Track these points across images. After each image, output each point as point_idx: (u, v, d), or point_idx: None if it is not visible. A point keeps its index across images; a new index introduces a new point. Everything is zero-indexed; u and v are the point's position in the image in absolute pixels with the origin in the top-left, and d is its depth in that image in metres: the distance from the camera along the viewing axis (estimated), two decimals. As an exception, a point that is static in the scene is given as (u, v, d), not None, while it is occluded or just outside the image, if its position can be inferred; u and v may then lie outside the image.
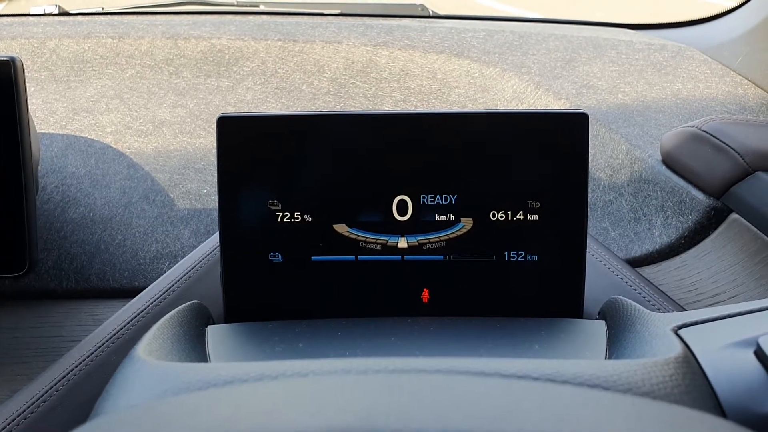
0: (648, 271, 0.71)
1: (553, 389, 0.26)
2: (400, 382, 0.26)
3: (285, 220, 0.56)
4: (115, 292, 0.73)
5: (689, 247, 0.70)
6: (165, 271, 0.67)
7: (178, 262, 0.68)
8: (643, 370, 0.33)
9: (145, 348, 0.41)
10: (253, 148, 0.56)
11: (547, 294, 0.57)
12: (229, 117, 0.56)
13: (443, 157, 0.56)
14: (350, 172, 0.56)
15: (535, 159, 0.56)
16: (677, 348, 0.37)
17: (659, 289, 0.65)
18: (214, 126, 0.89)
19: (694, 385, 0.34)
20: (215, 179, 0.82)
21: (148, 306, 0.60)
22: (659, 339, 0.39)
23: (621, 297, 0.54)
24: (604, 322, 0.52)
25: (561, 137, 0.56)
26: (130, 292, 0.69)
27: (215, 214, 0.78)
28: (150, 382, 0.35)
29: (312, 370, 0.31)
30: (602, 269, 0.64)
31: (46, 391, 0.55)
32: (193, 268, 0.63)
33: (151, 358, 0.39)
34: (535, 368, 0.33)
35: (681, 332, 0.40)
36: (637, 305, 0.49)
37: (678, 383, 0.33)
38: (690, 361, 0.36)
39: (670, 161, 0.74)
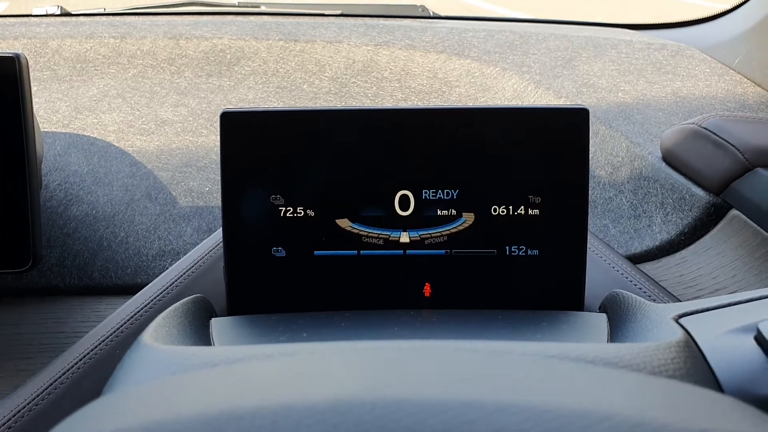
0: (648, 267, 0.71)
1: (558, 365, 0.27)
2: (406, 356, 0.26)
3: (288, 214, 0.57)
4: (118, 289, 0.73)
5: (689, 244, 0.71)
6: (167, 268, 0.68)
7: (180, 259, 0.69)
8: (645, 353, 0.34)
9: (151, 335, 0.41)
10: (256, 142, 0.56)
11: (548, 288, 0.57)
12: (233, 112, 0.56)
13: (445, 153, 0.56)
14: (353, 168, 0.57)
15: (536, 154, 0.56)
16: (678, 334, 0.37)
17: (659, 285, 0.66)
18: (216, 125, 0.90)
19: (696, 369, 0.34)
20: (217, 177, 0.82)
21: (152, 301, 0.60)
22: (660, 327, 0.40)
23: (622, 291, 0.54)
24: (605, 314, 0.53)
25: (562, 132, 0.56)
26: (133, 289, 0.69)
27: (217, 212, 0.78)
28: (158, 365, 0.35)
29: (319, 350, 0.32)
30: (602, 265, 0.65)
31: (50, 384, 0.55)
32: (195, 264, 0.63)
33: (158, 344, 0.39)
34: (539, 350, 0.33)
35: (682, 320, 0.40)
36: (638, 297, 0.49)
37: (679, 366, 0.34)
38: (691, 346, 0.37)
39: (670, 158, 0.74)
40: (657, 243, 0.72)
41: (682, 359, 0.34)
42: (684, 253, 0.71)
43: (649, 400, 0.23)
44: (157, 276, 0.66)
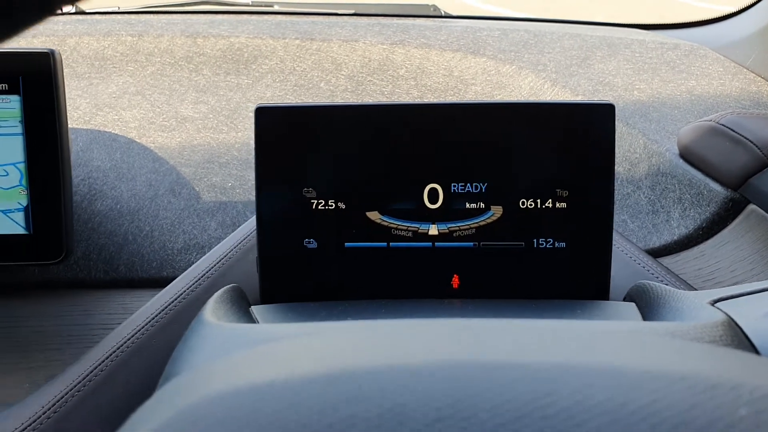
0: (666, 261, 0.72)
1: (622, 335, 0.28)
2: (476, 328, 0.28)
3: (319, 207, 0.58)
4: (144, 282, 0.74)
5: (707, 238, 0.72)
6: (193, 262, 0.69)
7: (205, 253, 0.70)
8: (695, 330, 0.35)
9: (211, 314, 0.42)
10: (289, 137, 0.57)
11: (574, 280, 0.58)
12: (267, 107, 0.57)
13: (474, 147, 0.58)
14: (383, 162, 0.58)
15: (563, 149, 0.57)
16: (719, 315, 0.39)
17: (680, 278, 0.67)
18: (236, 122, 0.91)
19: (742, 348, 0.36)
20: (239, 173, 0.83)
21: (185, 291, 0.61)
22: (699, 310, 0.41)
23: (648, 281, 0.55)
24: (634, 303, 0.54)
25: (589, 128, 0.57)
26: (159, 282, 0.70)
27: (241, 207, 0.79)
28: (232, 340, 0.36)
29: (398, 324, 0.33)
30: (624, 258, 0.66)
31: (91, 371, 0.56)
32: (225, 256, 0.64)
33: (222, 322, 0.40)
34: (596, 326, 0.34)
35: (718, 305, 0.41)
36: (667, 287, 0.51)
37: (727, 344, 0.35)
38: (733, 326, 0.38)
39: (687, 154, 0.76)
40: (675, 237, 0.73)
41: (729, 338, 0.35)
42: (702, 247, 0.72)
43: (720, 363, 0.24)
44: (183, 270, 0.67)
